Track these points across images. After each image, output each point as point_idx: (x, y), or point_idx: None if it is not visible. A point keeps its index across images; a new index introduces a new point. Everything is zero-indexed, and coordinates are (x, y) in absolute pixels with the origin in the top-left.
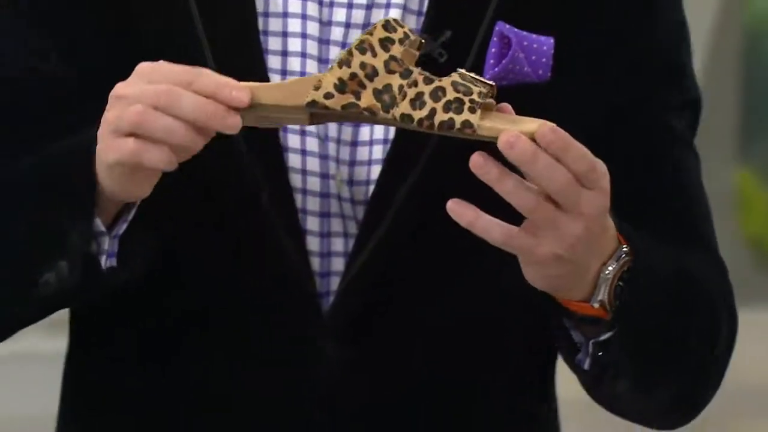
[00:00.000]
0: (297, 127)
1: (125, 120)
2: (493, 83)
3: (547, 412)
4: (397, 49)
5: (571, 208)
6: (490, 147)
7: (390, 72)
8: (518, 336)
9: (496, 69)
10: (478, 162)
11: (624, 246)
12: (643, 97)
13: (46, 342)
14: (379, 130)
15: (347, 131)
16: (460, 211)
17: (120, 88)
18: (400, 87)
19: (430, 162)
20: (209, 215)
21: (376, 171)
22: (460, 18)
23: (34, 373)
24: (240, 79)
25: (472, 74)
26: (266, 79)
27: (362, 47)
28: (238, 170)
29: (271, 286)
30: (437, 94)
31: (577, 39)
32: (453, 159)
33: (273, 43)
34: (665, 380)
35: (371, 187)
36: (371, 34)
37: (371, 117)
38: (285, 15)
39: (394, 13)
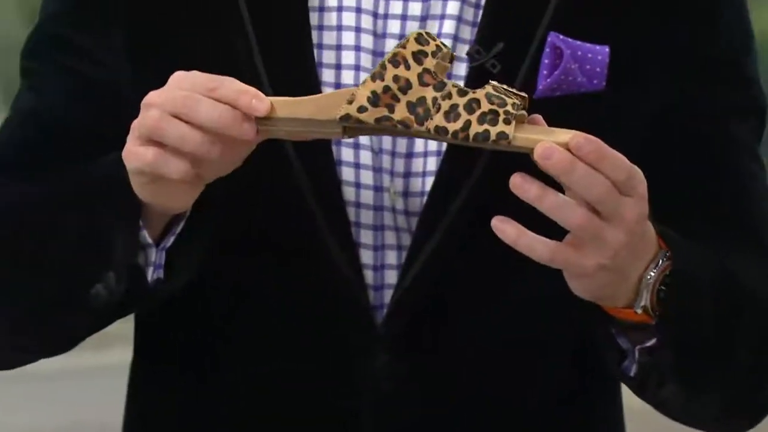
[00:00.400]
0: (350, 140)
1: (143, 126)
2: (525, 95)
3: (602, 423)
4: (430, 62)
5: (612, 216)
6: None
7: (424, 85)
8: (566, 348)
9: (549, 80)
10: (516, 182)
11: (665, 250)
12: (700, 104)
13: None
14: (433, 142)
15: (402, 143)
16: (503, 228)
17: (149, 96)
18: (434, 99)
19: (483, 174)
20: (261, 229)
21: (430, 182)
22: (514, 29)
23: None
24: (293, 93)
25: (505, 86)
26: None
27: (395, 60)
28: (290, 184)
29: (324, 300)
30: (471, 106)
31: (632, 48)
32: (506, 171)
33: (327, 57)
34: (713, 385)
35: (426, 199)
36: (404, 47)
37: (405, 130)
38: (339, 28)
39: (449, 25)
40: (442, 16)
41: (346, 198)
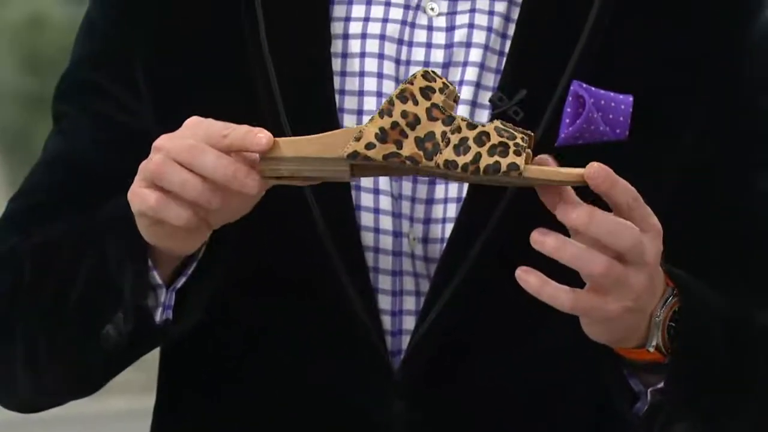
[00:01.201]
0: (370, 185)
1: (147, 170)
2: (532, 133)
3: None
4: (438, 98)
5: (632, 256)
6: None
7: (432, 119)
8: (585, 393)
9: (571, 128)
10: (535, 238)
11: (671, 287)
12: (725, 155)
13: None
14: (453, 189)
15: (422, 189)
16: (526, 278)
17: (159, 139)
18: (443, 134)
19: (501, 221)
20: (278, 272)
21: (450, 229)
22: (537, 76)
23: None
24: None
25: (510, 124)
26: None
27: (403, 96)
28: (309, 229)
29: (341, 345)
30: (481, 138)
31: (659, 97)
32: (524, 218)
33: (348, 102)
34: (732, 423)
35: (445, 245)
36: (411, 83)
37: (413, 166)
38: (361, 74)
39: (472, 72)
40: (465, 63)
41: (365, 243)
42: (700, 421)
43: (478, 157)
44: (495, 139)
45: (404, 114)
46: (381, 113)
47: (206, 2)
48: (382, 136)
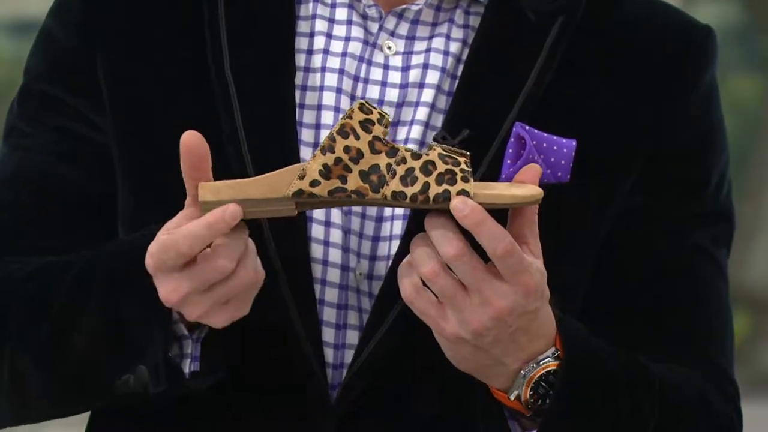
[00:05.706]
0: (322, 218)
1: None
2: (468, 153)
3: None
4: (378, 129)
5: (473, 290)
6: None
7: (375, 152)
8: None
9: (511, 169)
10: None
11: (555, 350)
12: (661, 208)
13: None
14: (398, 226)
15: (369, 226)
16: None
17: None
18: (388, 165)
19: None
20: None
21: None
22: (481, 117)
23: None
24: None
25: (446, 145)
26: None
27: (344, 131)
28: (262, 258)
29: (283, 376)
30: (427, 168)
31: (599, 144)
32: None
33: (306, 135)
34: None
35: (383, 283)
36: (350, 117)
37: (359, 199)
38: (319, 108)
39: (422, 113)
40: (417, 104)
41: (314, 275)
42: None
43: (426, 186)
44: (441, 167)
45: (347, 149)
46: (323, 150)
47: (170, 32)
48: (326, 172)
